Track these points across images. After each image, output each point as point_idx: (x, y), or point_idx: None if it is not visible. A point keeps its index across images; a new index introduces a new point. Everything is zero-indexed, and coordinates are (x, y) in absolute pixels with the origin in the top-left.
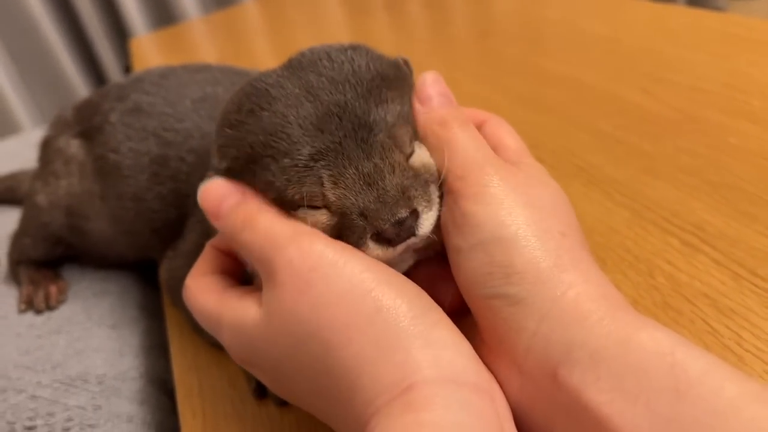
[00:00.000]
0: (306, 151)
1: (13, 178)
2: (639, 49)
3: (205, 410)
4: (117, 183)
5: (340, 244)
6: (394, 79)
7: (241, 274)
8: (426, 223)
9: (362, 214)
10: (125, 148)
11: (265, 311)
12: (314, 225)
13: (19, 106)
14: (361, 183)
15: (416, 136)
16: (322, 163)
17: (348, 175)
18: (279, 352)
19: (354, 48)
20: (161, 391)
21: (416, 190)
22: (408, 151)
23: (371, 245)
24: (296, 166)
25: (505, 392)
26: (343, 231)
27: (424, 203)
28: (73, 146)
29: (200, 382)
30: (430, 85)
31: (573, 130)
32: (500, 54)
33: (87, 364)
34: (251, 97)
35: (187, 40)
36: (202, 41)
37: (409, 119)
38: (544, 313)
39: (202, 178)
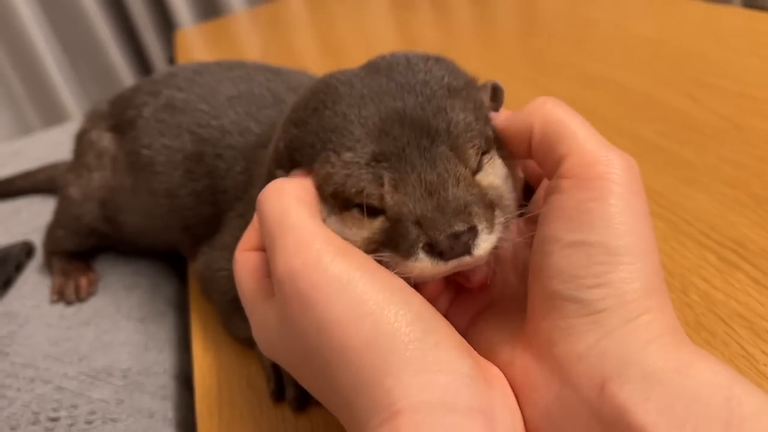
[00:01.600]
0: (369, 149)
1: (54, 168)
2: (685, 51)
3: (222, 410)
4: (149, 179)
5: (349, 255)
6: (467, 96)
7: None
8: (484, 245)
9: (418, 222)
10: (158, 144)
11: (279, 318)
12: (364, 229)
13: (69, 96)
14: (422, 191)
15: (491, 153)
16: (385, 164)
17: (410, 182)
18: (293, 358)
19: (436, 59)
20: (184, 387)
21: (478, 207)
22: (473, 166)
23: (422, 256)
24: (358, 162)
25: (536, 397)
26: (394, 238)
27: (485, 223)
28: (105, 139)
29: (219, 381)
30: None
31: (612, 135)
32: (542, 54)
33: (113, 358)
34: (318, 94)
35: (230, 33)
36: (245, 34)
37: (481, 134)
38: (611, 330)
39: (241, 173)
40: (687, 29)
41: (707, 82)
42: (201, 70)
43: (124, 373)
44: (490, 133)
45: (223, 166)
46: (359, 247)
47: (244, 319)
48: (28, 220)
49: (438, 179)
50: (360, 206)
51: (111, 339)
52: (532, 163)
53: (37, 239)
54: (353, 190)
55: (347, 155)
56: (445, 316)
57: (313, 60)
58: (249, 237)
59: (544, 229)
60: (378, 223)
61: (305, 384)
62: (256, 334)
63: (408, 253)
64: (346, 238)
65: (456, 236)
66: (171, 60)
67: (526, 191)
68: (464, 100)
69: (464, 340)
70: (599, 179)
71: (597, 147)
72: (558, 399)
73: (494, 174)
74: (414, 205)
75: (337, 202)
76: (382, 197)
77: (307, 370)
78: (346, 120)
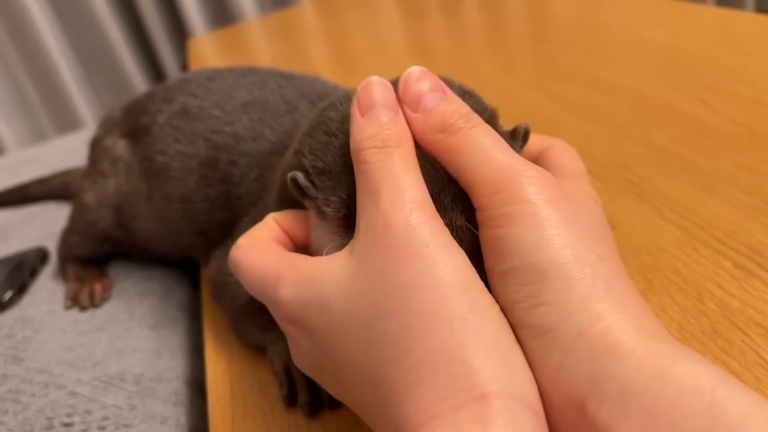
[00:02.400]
0: None
1: (69, 174)
2: (699, 57)
3: (234, 416)
4: (164, 184)
5: (450, 236)
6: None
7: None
8: None
9: None
10: (173, 150)
11: (356, 266)
12: None
13: (83, 103)
14: (453, 235)
15: None
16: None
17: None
18: (353, 317)
19: (464, 91)
20: (197, 393)
21: None
22: None
23: None
24: None
25: None
26: None
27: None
28: (120, 146)
29: (232, 387)
30: (416, 81)
31: (625, 141)
32: (554, 60)
33: (126, 364)
34: (348, 104)
35: (243, 40)
36: (257, 42)
37: None
38: (569, 347)
39: (255, 180)
40: (700, 35)
41: (721, 88)
42: (214, 76)
43: (136, 379)
44: None
45: (237, 172)
46: None
47: (255, 325)
48: (43, 226)
49: (467, 228)
50: None
51: (124, 345)
52: None
53: (52, 245)
54: None
55: None
56: None
57: (325, 67)
58: (257, 229)
59: (485, 265)
60: None
61: (335, 364)
62: (290, 287)
63: None
64: None
65: None
66: (184, 67)
67: None
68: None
69: None
70: (504, 205)
71: (496, 170)
72: (550, 426)
73: None
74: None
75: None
76: None
77: (363, 337)
78: None
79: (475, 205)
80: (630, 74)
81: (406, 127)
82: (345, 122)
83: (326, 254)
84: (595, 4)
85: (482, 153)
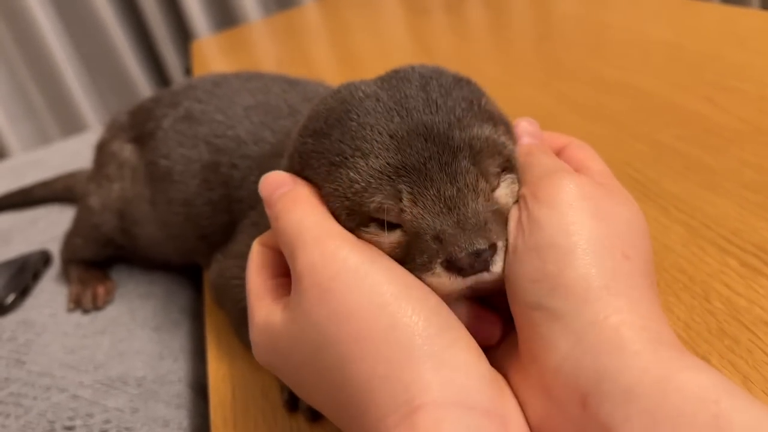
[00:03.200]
0: (389, 161)
1: (72, 177)
2: (704, 55)
3: (236, 420)
4: (167, 188)
5: (366, 251)
6: (490, 115)
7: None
8: (501, 263)
9: (437, 237)
10: (176, 154)
11: (289, 314)
12: (383, 244)
13: (87, 106)
14: (441, 205)
15: (512, 176)
16: (405, 179)
17: (429, 196)
18: (299, 357)
19: (467, 80)
20: (199, 396)
21: (497, 224)
22: (494, 183)
23: (439, 271)
24: (377, 174)
25: (528, 415)
26: (412, 253)
27: (503, 240)
28: (127, 151)
29: (234, 391)
30: (523, 127)
31: (630, 140)
32: (558, 59)
33: (128, 366)
34: (344, 104)
35: (246, 42)
36: (261, 43)
37: (502, 154)
38: (580, 334)
39: (256, 183)
40: (705, 32)
41: (727, 86)
42: (220, 81)
43: (138, 382)
44: (514, 155)
45: (238, 175)
46: None
47: None
48: (46, 229)
49: (458, 194)
50: (377, 221)
51: (126, 348)
52: None
53: (55, 248)
54: (372, 205)
55: (366, 167)
56: None
57: (329, 67)
58: (250, 268)
59: (509, 243)
60: (395, 236)
61: (306, 393)
62: (254, 332)
63: (425, 268)
64: None
65: (477, 254)
66: (188, 70)
67: None
68: (491, 121)
69: (475, 341)
70: (546, 191)
71: (550, 168)
72: (547, 417)
73: (511, 195)
74: (433, 219)
75: (352, 218)
76: (400, 211)
77: (312, 370)
78: (374, 131)
79: (520, 194)
80: (635, 73)
81: (303, 187)
82: (329, 120)
83: None
84: (600, 3)
85: (538, 162)
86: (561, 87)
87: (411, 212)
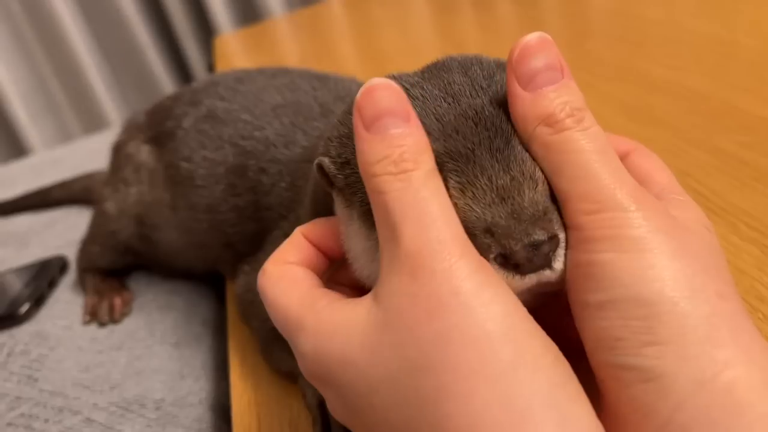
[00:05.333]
0: (435, 148)
1: (91, 178)
2: (763, 53)
3: None
4: (189, 193)
5: (490, 273)
6: None
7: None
8: (563, 258)
9: (489, 231)
10: (199, 156)
11: (381, 315)
12: None
13: (109, 102)
14: (493, 195)
15: None
16: (451, 166)
17: (479, 185)
18: (380, 372)
19: (500, 62)
20: (221, 420)
21: (558, 215)
22: None
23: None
24: None
25: None
26: None
27: (565, 233)
28: (144, 152)
29: (259, 421)
30: (533, 54)
31: (686, 146)
32: (598, 57)
33: (145, 387)
34: None
35: (270, 38)
36: (285, 39)
37: None
38: (684, 397)
39: (287, 189)
40: (762, 29)
41: None
42: (243, 78)
43: (157, 405)
44: None
45: (267, 181)
46: None
47: (286, 350)
48: (64, 232)
49: (512, 183)
50: None
51: (144, 365)
52: None
53: (72, 253)
54: None
55: None
56: None
57: (354, 64)
58: (283, 251)
59: (570, 292)
60: None
61: (361, 422)
62: (308, 352)
63: None
64: None
65: (535, 246)
66: (210, 66)
67: None
68: None
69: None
70: (608, 228)
71: (598, 187)
72: None
73: None
74: (483, 210)
75: None
76: None
77: (397, 393)
78: (421, 115)
79: (569, 221)
80: (686, 72)
81: (422, 137)
82: None
83: (362, 254)
84: None
85: (585, 163)
86: (604, 87)
87: (458, 203)
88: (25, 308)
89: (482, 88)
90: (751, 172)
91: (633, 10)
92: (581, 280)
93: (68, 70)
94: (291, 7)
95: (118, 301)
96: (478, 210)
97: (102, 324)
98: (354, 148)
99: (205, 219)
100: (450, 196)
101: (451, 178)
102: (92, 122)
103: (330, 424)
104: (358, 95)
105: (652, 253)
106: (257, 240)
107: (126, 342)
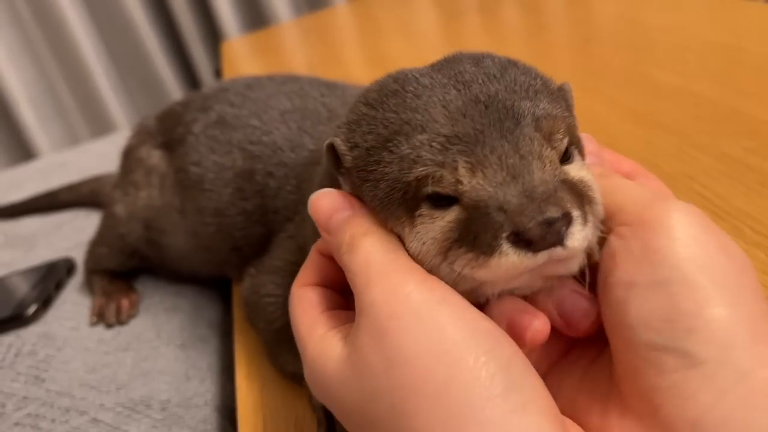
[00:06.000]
0: (444, 131)
1: (98, 181)
2: None
3: None
4: (198, 197)
5: (436, 288)
6: (549, 89)
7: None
8: (579, 236)
9: (501, 209)
10: (208, 161)
11: (346, 354)
12: (438, 225)
13: (117, 106)
14: (504, 174)
15: (578, 149)
16: (459, 147)
17: (488, 164)
18: (351, 401)
19: (510, 58)
20: (227, 421)
21: (570, 195)
22: (561, 148)
23: (506, 248)
24: (430, 145)
25: None
26: (473, 233)
27: (578, 211)
28: (155, 157)
29: (264, 422)
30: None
31: (692, 151)
32: (605, 62)
33: (152, 387)
34: (398, 81)
35: (277, 43)
36: (292, 44)
37: (568, 125)
38: (727, 386)
39: (292, 192)
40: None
41: None
42: (253, 84)
43: (162, 405)
44: (577, 131)
45: (274, 184)
46: (432, 253)
47: (292, 352)
48: (71, 234)
49: (521, 162)
50: (430, 199)
51: (150, 367)
52: None
53: (79, 255)
54: (423, 176)
55: (419, 138)
56: None
57: (361, 70)
58: (304, 273)
59: (610, 276)
60: (452, 214)
61: None
62: (308, 373)
63: (490, 248)
64: (416, 249)
65: (548, 223)
66: (217, 71)
67: None
68: (551, 94)
69: (555, 403)
70: (659, 219)
71: (647, 194)
72: None
73: (585, 169)
74: (495, 189)
75: (404, 201)
76: (456, 182)
77: (363, 420)
78: (429, 101)
79: (616, 224)
80: (692, 77)
81: (365, 215)
82: (383, 92)
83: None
84: (646, 3)
85: (626, 187)
86: (611, 92)
87: (469, 183)
88: (32, 309)
89: (495, 77)
90: (757, 177)
91: (639, 16)
92: (631, 262)
93: (76, 74)
94: (298, 13)
95: (125, 303)
96: (490, 189)
97: (109, 325)
98: (362, 133)
99: (213, 222)
100: (459, 178)
101: (460, 159)
102: (100, 126)
103: (335, 426)
104: (309, 210)
105: (702, 246)
106: (264, 243)
107: (132, 343)
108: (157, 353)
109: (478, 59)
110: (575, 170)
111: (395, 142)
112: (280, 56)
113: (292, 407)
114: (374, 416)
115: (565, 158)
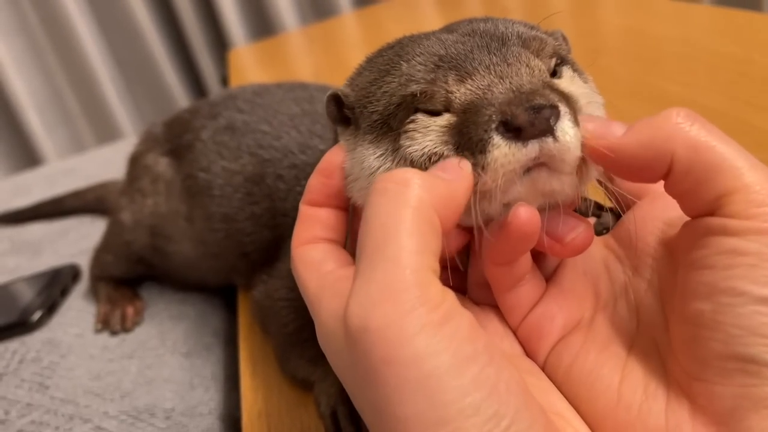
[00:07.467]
0: (439, 53)
1: (104, 187)
2: None
3: None
4: (206, 203)
5: (445, 327)
6: (540, 29)
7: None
8: (570, 131)
9: (490, 104)
10: (217, 167)
11: (340, 330)
12: (432, 130)
13: (123, 114)
14: (492, 77)
15: (571, 72)
16: (451, 64)
17: (477, 74)
18: (345, 377)
19: (528, 25)
20: (231, 429)
21: (558, 98)
22: (550, 64)
23: (497, 140)
24: (425, 65)
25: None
26: (465, 134)
27: (567, 109)
28: (162, 164)
29: (270, 430)
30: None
31: None
32: (613, 74)
33: (156, 396)
34: (400, 39)
35: (283, 51)
36: (298, 53)
37: (553, 47)
38: None
39: (302, 193)
40: None
41: None
42: (261, 91)
43: (167, 414)
44: (570, 55)
45: (284, 187)
46: (425, 161)
47: (303, 357)
48: (77, 241)
49: (509, 68)
50: (425, 112)
51: (155, 375)
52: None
53: (84, 262)
54: (419, 90)
55: (414, 60)
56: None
57: None
58: (299, 233)
59: (708, 276)
60: (444, 120)
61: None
62: (320, 336)
63: (482, 142)
64: (411, 160)
65: (536, 110)
66: (224, 79)
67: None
68: (541, 30)
69: None
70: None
71: (765, 182)
72: None
73: (576, 85)
74: (484, 91)
75: (403, 111)
76: (447, 93)
77: (360, 402)
78: (426, 41)
79: (728, 212)
80: (701, 89)
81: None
82: (380, 49)
83: (364, 171)
84: (652, 15)
85: (744, 160)
86: (619, 104)
87: (459, 90)
88: (37, 316)
89: (487, 21)
90: None
91: (647, 27)
92: (745, 268)
93: (83, 81)
94: (304, 21)
95: (130, 310)
96: (479, 92)
97: (114, 332)
98: (363, 75)
99: (222, 228)
100: (449, 89)
101: (450, 74)
102: (106, 133)
103: None
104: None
105: None
106: (271, 249)
107: (137, 351)
108: (161, 361)
109: (487, 18)
110: (567, 85)
111: (396, 66)
112: (287, 64)
113: (296, 416)
114: (365, 401)
115: (558, 74)
